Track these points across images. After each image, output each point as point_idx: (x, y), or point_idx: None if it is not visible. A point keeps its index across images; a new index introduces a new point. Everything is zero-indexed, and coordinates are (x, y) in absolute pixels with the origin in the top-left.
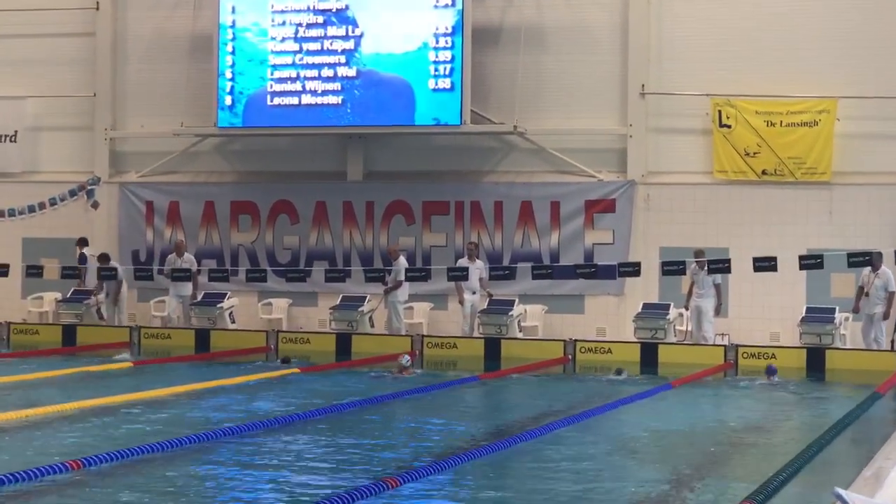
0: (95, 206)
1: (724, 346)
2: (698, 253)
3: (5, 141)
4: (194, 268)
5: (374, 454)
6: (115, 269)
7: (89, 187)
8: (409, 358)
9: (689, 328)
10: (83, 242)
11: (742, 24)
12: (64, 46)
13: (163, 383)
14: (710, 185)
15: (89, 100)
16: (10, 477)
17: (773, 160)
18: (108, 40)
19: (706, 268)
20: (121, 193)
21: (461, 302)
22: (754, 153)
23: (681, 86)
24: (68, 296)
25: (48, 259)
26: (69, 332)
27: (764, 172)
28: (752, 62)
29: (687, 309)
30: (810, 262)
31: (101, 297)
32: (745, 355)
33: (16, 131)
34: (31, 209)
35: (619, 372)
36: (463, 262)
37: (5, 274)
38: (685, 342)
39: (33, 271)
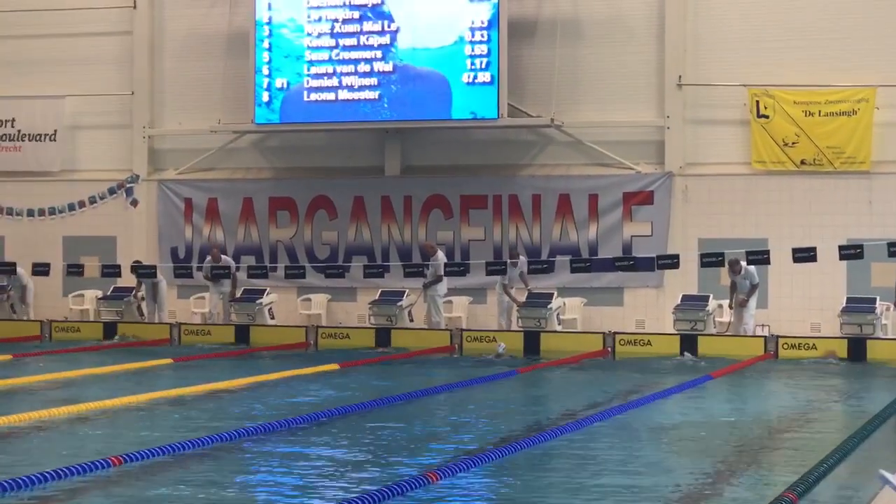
0: (134, 203)
1: (765, 337)
2: (732, 263)
3: (45, 140)
4: (232, 268)
5: (415, 448)
6: (153, 268)
7: (128, 185)
8: (504, 346)
9: (731, 319)
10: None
11: (779, 13)
12: (101, 45)
13: (204, 379)
14: (749, 175)
15: (127, 98)
16: (54, 474)
17: (812, 150)
18: (145, 39)
19: (742, 272)
20: (159, 191)
21: (515, 301)
22: (793, 143)
23: (718, 76)
24: (109, 293)
25: (88, 257)
26: (110, 329)
27: (802, 162)
28: (789, 52)
29: (731, 307)
30: (850, 252)
31: (141, 294)
32: (786, 346)
33: (55, 130)
34: (71, 208)
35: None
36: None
37: (46, 273)
38: (726, 333)
39: (74, 270)
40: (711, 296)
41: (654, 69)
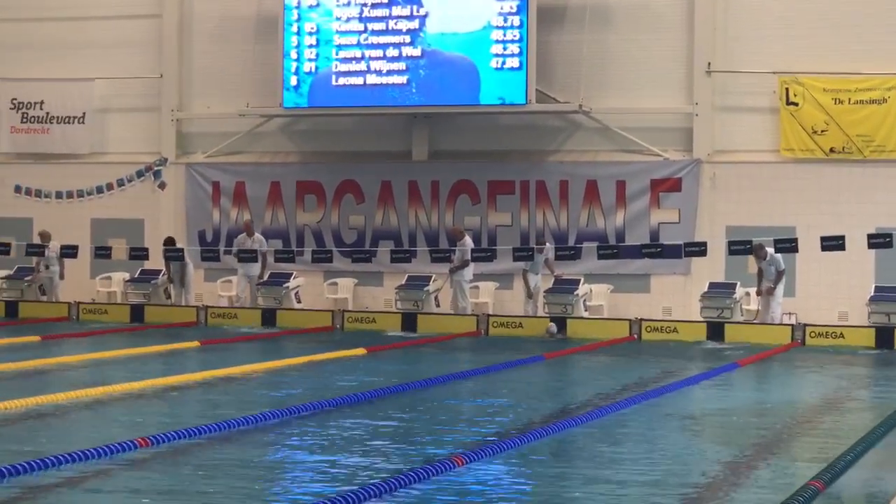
0: (162, 186)
1: (792, 325)
2: (758, 248)
3: (73, 123)
4: (264, 248)
5: (441, 433)
6: (181, 251)
7: (156, 168)
8: (554, 326)
9: (758, 307)
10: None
11: (809, 1)
12: (130, 28)
13: (231, 362)
14: (777, 163)
15: (156, 81)
16: (81, 454)
17: (842, 138)
18: (174, 22)
19: (767, 258)
20: (187, 174)
21: (529, 296)
22: (822, 131)
23: (747, 63)
24: (136, 276)
25: (116, 240)
26: (137, 312)
27: (832, 150)
28: (819, 39)
29: (759, 294)
30: (879, 240)
31: (163, 279)
32: (813, 334)
33: (84, 113)
34: (99, 190)
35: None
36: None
37: (74, 255)
38: (753, 321)
39: (102, 252)
40: (739, 283)
41: (683, 56)
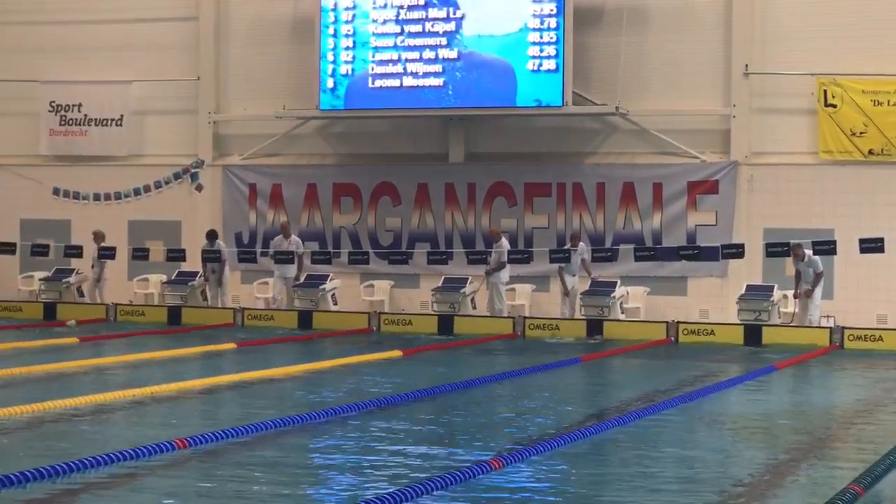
0: (199, 188)
1: (830, 328)
2: (795, 249)
3: (111, 125)
4: (300, 249)
5: (478, 435)
6: (219, 252)
7: (193, 170)
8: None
9: (796, 310)
10: (213, 235)
11: (847, 1)
12: (168, 31)
13: (267, 364)
14: (815, 165)
15: (193, 83)
16: (119, 455)
17: (880, 140)
18: (211, 24)
19: (805, 259)
20: (224, 176)
21: (566, 293)
22: (860, 133)
23: (785, 65)
24: (173, 277)
25: (153, 241)
26: (174, 314)
27: (870, 152)
28: (857, 40)
29: (796, 297)
30: None
31: (200, 281)
32: (851, 337)
33: (121, 115)
34: (137, 192)
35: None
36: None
37: (112, 256)
38: (790, 324)
39: (139, 254)
40: (776, 286)
41: (720, 57)
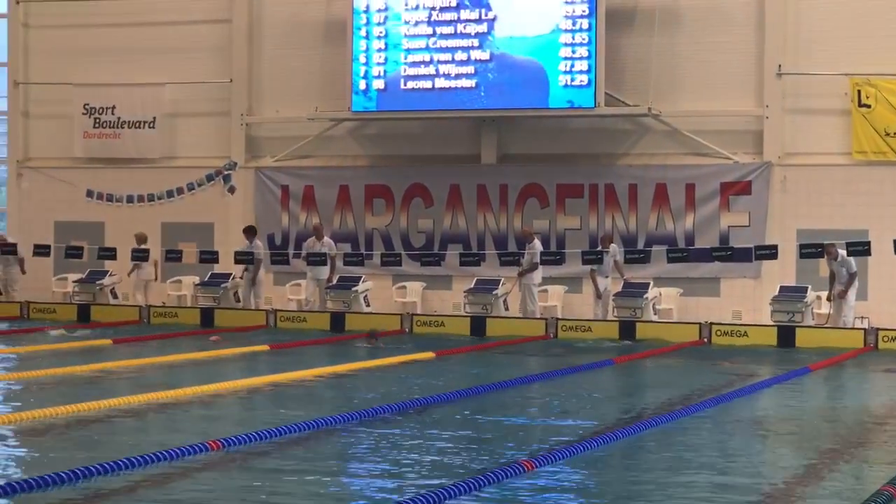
0: (232, 190)
1: (864, 329)
2: (829, 248)
3: (144, 127)
4: (333, 251)
5: (510, 437)
6: (252, 253)
7: (226, 172)
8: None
9: (830, 311)
10: (252, 231)
11: (880, 1)
12: (201, 33)
13: (300, 366)
14: (849, 166)
15: (226, 86)
16: (152, 457)
17: None
18: (244, 27)
19: (838, 258)
20: (256, 178)
21: (598, 295)
22: (895, 133)
23: (818, 66)
24: (206, 279)
25: (186, 243)
26: (207, 315)
27: None
28: (891, 40)
29: (830, 300)
30: None
31: (238, 280)
32: (886, 339)
33: (154, 118)
34: (170, 194)
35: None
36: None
37: (145, 258)
38: (824, 325)
39: (172, 256)
40: (810, 287)
41: (753, 58)
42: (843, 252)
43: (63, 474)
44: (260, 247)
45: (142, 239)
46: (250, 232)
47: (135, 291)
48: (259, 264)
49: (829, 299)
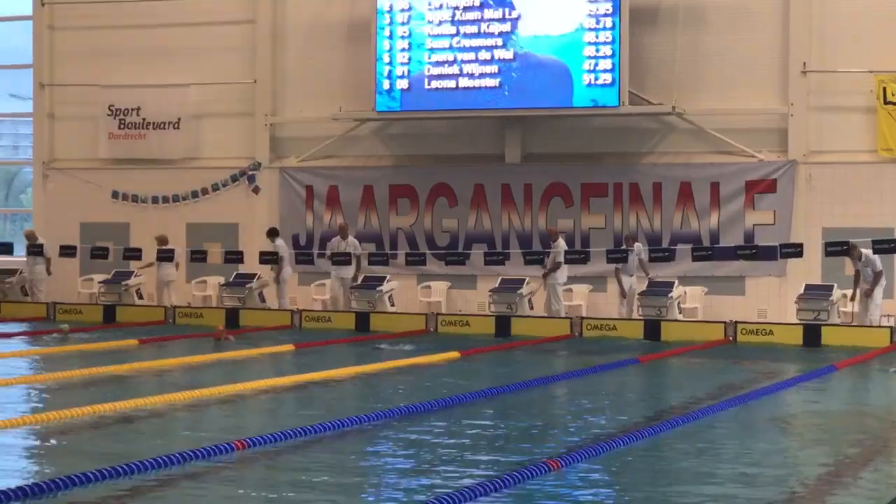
0: (256, 191)
1: (890, 327)
2: (851, 249)
3: (168, 128)
4: (358, 251)
5: (535, 436)
6: (275, 253)
7: (250, 172)
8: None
9: (855, 310)
10: (274, 233)
11: None
12: (225, 34)
13: (325, 366)
14: (874, 163)
15: (250, 86)
16: (178, 457)
17: None
18: (267, 27)
19: (862, 258)
20: (281, 178)
21: (623, 294)
22: None
23: (843, 63)
24: (231, 280)
25: (211, 244)
26: (232, 316)
27: None
28: None
29: (853, 299)
30: None
31: (265, 279)
32: None
33: (179, 118)
34: (195, 195)
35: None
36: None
37: (170, 259)
38: (850, 324)
39: (197, 256)
40: (836, 285)
41: (777, 56)
42: (867, 251)
43: (90, 474)
44: (282, 246)
45: (163, 241)
46: (272, 234)
47: (157, 291)
48: (283, 263)
49: (851, 299)
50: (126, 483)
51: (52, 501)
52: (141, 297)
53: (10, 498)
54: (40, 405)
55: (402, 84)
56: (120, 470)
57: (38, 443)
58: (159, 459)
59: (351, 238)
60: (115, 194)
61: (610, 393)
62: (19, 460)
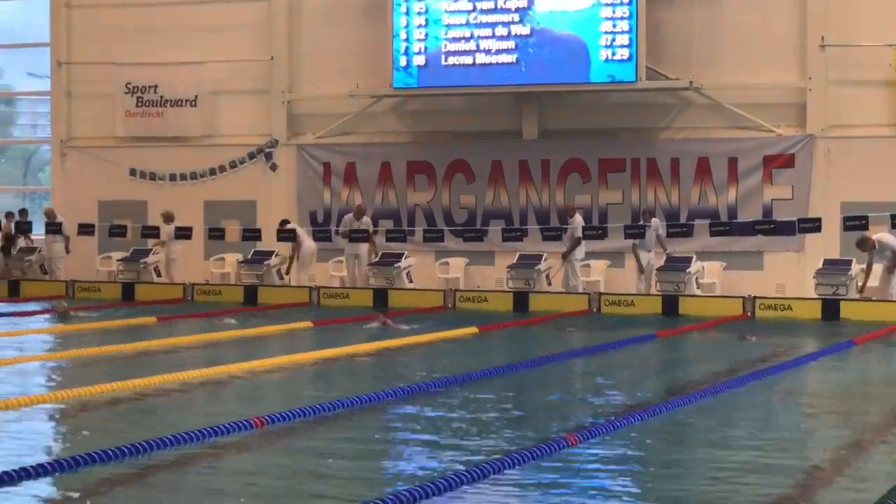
0: (274, 168)
1: None
2: (861, 242)
3: (185, 106)
4: (371, 230)
5: (554, 412)
6: (293, 230)
7: (267, 150)
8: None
9: (878, 284)
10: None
11: None
12: (241, 11)
13: (343, 342)
14: (893, 137)
15: (266, 63)
16: (196, 434)
17: None
18: (284, 4)
19: (876, 247)
20: (298, 155)
21: (641, 270)
22: None
23: (862, 37)
24: (249, 257)
25: (229, 221)
26: (251, 293)
27: None
28: None
29: (862, 291)
30: None
31: (276, 260)
32: None
33: (196, 96)
34: (212, 172)
35: None
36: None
37: (189, 236)
38: (870, 298)
39: (215, 233)
40: (854, 260)
41: (795, 30)
42: (879, 236)
43: (110, 451)
44: (299, 231)
45: (169, 217)
46: (285, 222)
47: (166, 269)
48: (300, 243)
49: (860, 291)
50: (144, 460)
51: (70, 478)
52: (159, 275)
53: (29, 474)
54: (59, 383)
55: (419, 60)
56: (138, 447)
57: (56, 420)
58: (177, 436)
59: (366, 218)
60: (132, 172)
61: (628, 368)
62: (38, 437)
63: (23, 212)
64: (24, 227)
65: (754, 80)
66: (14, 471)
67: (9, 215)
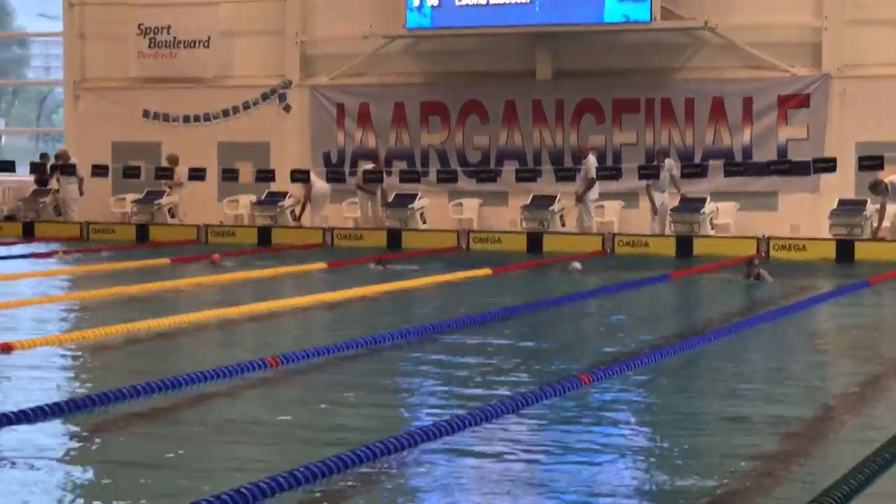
0: (287, 109)
1: None
2: (874, 186)
3: (199, 47)
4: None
5: (566, 352)
6: (307, 171)
7: (281, 91)
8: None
9: (876, 223)
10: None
11: None
12: None
13: (357, 283)
14: None
15: (279, 4)
16: (212, 373)
17: None
18: None
19: (890, 190)
20: (312, 96)
21: (655, 211)
22: None
23: None
24: (263, 198)
25: (242, 162)
26: (264, 234)
27: None
28: None
29: (876, 236)
30: None
31: (290, 201)
32: None
33: (209, 37)
34: (226, 113)
35: None
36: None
37: (202, 178)
38: (886, 238)
39: (228, 175)
40: (869, 200)
41: None
42: (892, 178)
43: (125, 390)
44: (309, 178)
45: (173, 160)
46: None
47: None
48: (310, 185)
49: (874, 236)
50: (160, 400)
51: (87, 417)
52: (173, 217)
53: (46, 413)
54: (74, 323)
55: (433, 1)
56: (154, 386)
57: (72, 360)
58: (193, 376)
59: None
60: (146, 113)
61: (641, 309)
62: (55, 377)
63: (44, 156)
64: (69, 170)
65: (769, 20)
66: (31, 409)
67: (44, 156)
